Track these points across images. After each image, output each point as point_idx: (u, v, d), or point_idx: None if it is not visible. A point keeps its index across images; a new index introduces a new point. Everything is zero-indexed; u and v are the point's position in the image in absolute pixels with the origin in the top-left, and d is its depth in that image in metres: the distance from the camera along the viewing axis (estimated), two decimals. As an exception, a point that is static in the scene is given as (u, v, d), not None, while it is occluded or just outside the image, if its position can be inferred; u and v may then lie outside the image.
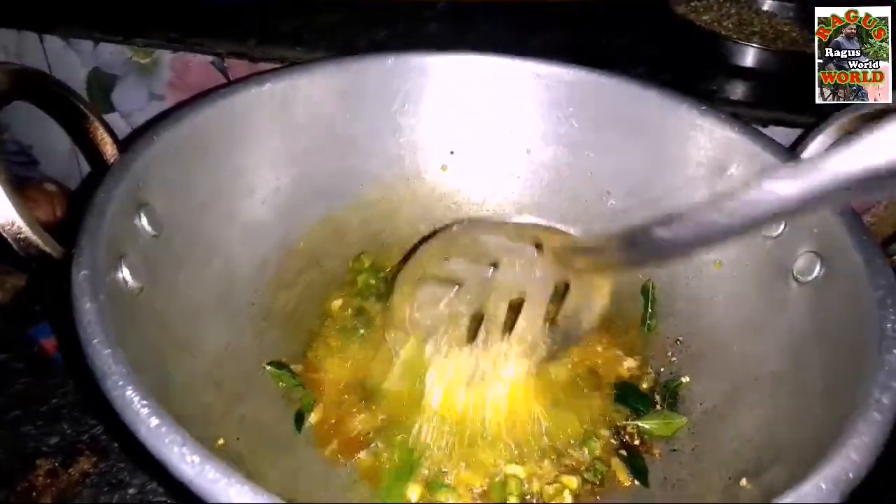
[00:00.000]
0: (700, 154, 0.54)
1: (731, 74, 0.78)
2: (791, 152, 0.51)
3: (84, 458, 0.54)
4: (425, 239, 0.58)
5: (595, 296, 0.45)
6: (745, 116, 0.70)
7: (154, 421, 0.29)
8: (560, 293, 0.46)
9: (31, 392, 0.59)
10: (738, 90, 0.76)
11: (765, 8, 0.88)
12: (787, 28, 0.85)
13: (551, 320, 0.46)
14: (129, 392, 0.30)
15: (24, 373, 0.61)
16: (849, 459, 0.30)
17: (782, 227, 0.48)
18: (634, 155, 0.58)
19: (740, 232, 0.30)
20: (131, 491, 0.53)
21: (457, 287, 0.48)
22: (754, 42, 0.79)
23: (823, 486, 0.29)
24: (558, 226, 0.52)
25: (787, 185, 0.26)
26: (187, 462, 0.28)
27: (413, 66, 0.59)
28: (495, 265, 0.47)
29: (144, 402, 0.30)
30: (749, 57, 0.78)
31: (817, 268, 0.45)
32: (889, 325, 0.36)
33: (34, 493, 0.52)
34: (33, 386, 0.60)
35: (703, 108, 0.54)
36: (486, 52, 0.60)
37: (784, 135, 0.67)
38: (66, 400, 0.58)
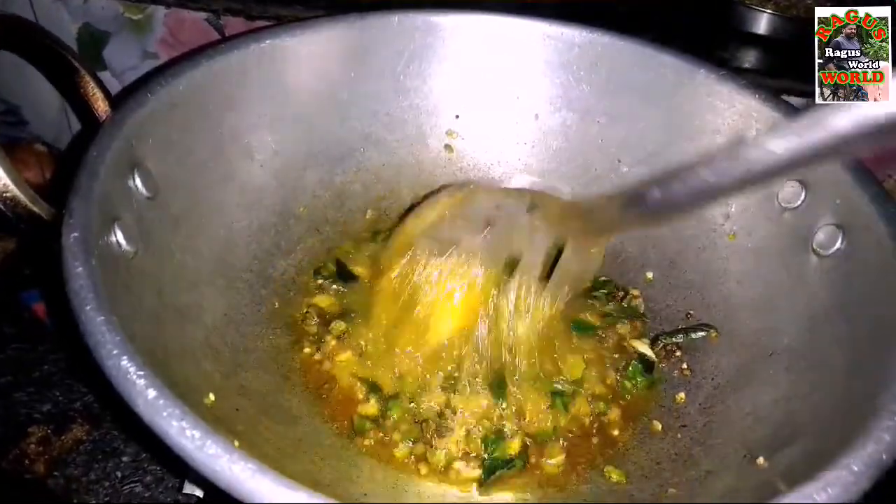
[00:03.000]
0: (717, 122, 0.53)
1: (744, 41, 0.76)
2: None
3: (77, 426, 0.54)
4: (416, 205, 0.57)
5: (589, 256, 0.46)
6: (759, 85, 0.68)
7: (151, 393, 0.28)
8: (554, 253, 0.46)
9: (23, 358, 0.58)
10: (750, 58, 0.74)
11: (779, -27, 0.85)
12: (801, -5, 0.82)
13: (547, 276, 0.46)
14: (125, 362, 0.29)
15: (15, 338, 0.60)
16: (882, 441, 0.29)
17: (802, 198, 0.47)
18: (648, 122, 0.56)
19: (738, 190, 0.32)
20: (125, 459, 0.52)
21: (452, 248, 0.47)
22: (768, 8, 0.76)
23: (855, 468, 0.28)
24: (560, 190, 0.55)
25: (783, 143, 0.27)
26: (187, 437, 0.27)
27: (419, 25, 0.57)
28: (490, 226, 0.47)
29: (141, 372, 0.29)
30: (762, 24, 0.75)
31: (839, 241, 0.44)
32: (919, 300, 0.35)
33: (26, 461, 0.51)
34: (25, 352, 0.59)
35: (722, 73, 0.52)
36: (495, 12, 0.58)
37: (797, 104, 0.65)
38: (58, 367, 0.58)
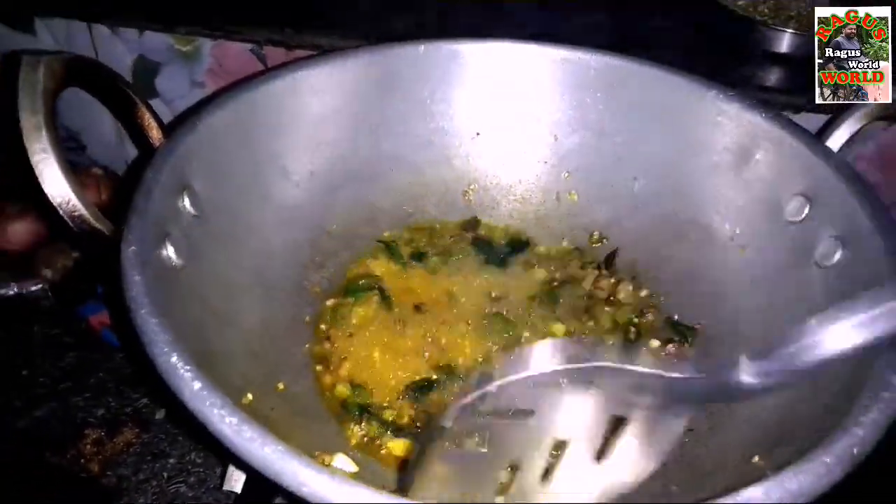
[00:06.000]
0: (727, 140, 0.55)
1: (766, 60, 0.77)
2: (817, 139, 0.51)
3: (128, 430, 0.58)
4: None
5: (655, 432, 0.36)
6: (778, 102, 0.70)
7: (197, 384, 0.32)
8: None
9: (80, 366, 0.63)
10: (772, 76, 0.76)
11: (801, -9, 0.87)
12: (824, 13, 0.83)
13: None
14: (174, 358, 0.33)
15: (73, 347, 0.64)
16: (855, 436, 0.31)
17: (806, 211, 0.49)
18: (662, 140, 0.58)
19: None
20: (171, 461, 0.56)
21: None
22: (790, 27, 0.78)
23: (828, 460, 0.30)
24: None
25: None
26: (226, 423, 0.30)
27: (444, 53, 0.60)
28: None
29: (188, 367, 0.32)
30: (784, 42, 0.77)
31: (838, 252, 0.45)
32: (904, 308, 0.36)
33: (82, 461, 0.55)
34: (81, 360, 0.63)
35: (731, 93, 0.54)
36: (515, 39, 0.61)
37: (819, 121, 0.66)
38: (111, 375, 0.62)
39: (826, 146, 0.50)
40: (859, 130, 0.50)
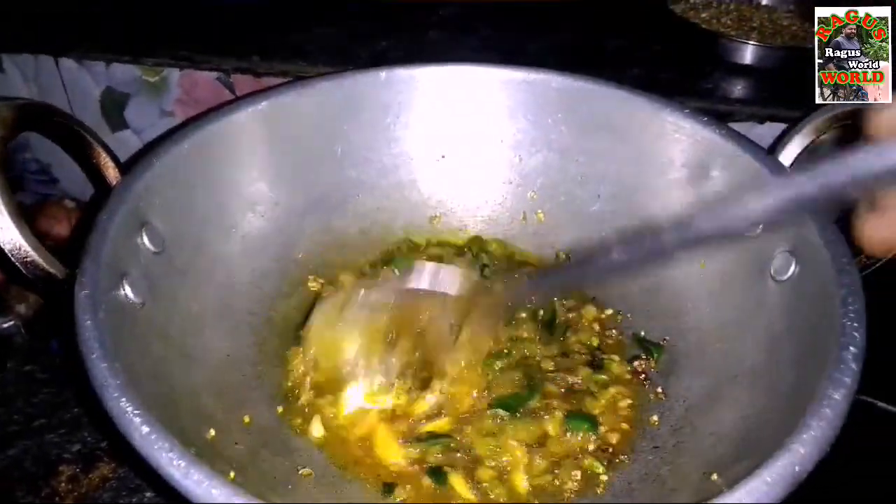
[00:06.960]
0: (684, 157, 0.56)
1: (730, 72, 0.78)
2: (769, 154, 0.52)
3: (103, 464, 0.57)
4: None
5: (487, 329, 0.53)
6: (743, 113, 0.71)
7: (145, 429, 0.32)
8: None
9: (54, 401, 0.62)
10: (736, 87, 0.77)
11: (764, 2, 0.88)
12: (786, 23, 0.85)
13: None
14: (124, 403, 0.33)
15: (48, 383, 0.63)
16: (797, 453, 0.31)
17: (760, 226, 0.49)
18: (622, 158, 0.59)
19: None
20: (148, 495, 0.55)
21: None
22: (752, 39, 0.79)
23: (769, 479, 0.30)
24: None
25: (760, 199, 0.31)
26: (174, 466, 0.30)
27: (404, 79, 0.61)
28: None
29: (137, 411, 0.33)
30: (747, 54, 0.78)
31: (792, 266, 0.46)
32: (849, 323, 0.37)
33: (57, 498, 0.55)
34: (56, 395, 0.62)
35: (686, 111, 0.55)
36: (474, 63, 0.62)
37: (781, 130, 0.67)
38: (86, 409, 0.61)
39: (777, 161, 0.50)
40: (812, 142, 0.51)
